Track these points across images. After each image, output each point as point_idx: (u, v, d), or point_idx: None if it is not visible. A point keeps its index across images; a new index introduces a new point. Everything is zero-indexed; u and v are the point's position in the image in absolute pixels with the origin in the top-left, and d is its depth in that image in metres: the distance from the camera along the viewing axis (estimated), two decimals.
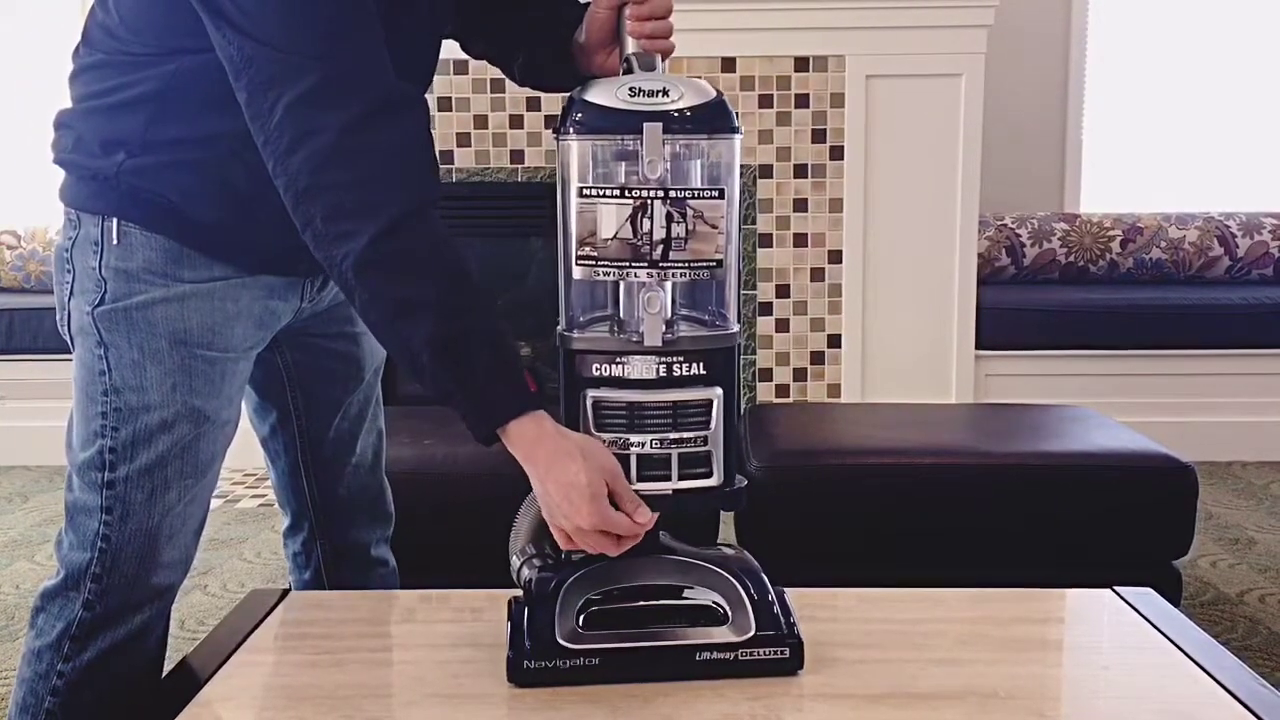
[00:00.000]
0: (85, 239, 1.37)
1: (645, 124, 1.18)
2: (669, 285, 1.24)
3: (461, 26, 1.53)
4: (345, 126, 1.20)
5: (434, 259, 1.23)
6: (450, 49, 1.60)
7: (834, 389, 3.96)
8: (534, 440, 1.21)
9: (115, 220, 1.35)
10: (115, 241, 1.36)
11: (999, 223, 4.33)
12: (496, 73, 1.60)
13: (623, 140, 1.21)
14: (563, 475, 1.19)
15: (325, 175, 1.21)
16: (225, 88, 1.24)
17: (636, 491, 1.22)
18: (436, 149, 4.08)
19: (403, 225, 1.21)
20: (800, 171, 3.87)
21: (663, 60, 1.30)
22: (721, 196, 1.20)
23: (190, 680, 1.27)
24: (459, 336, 1.21)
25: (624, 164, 1.21)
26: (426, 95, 1.50)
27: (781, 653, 1.24)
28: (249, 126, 1.24)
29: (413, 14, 1.37)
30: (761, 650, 1.24)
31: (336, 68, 1.21)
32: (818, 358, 3.95)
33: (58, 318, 1.42)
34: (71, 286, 1.39)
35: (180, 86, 1.31)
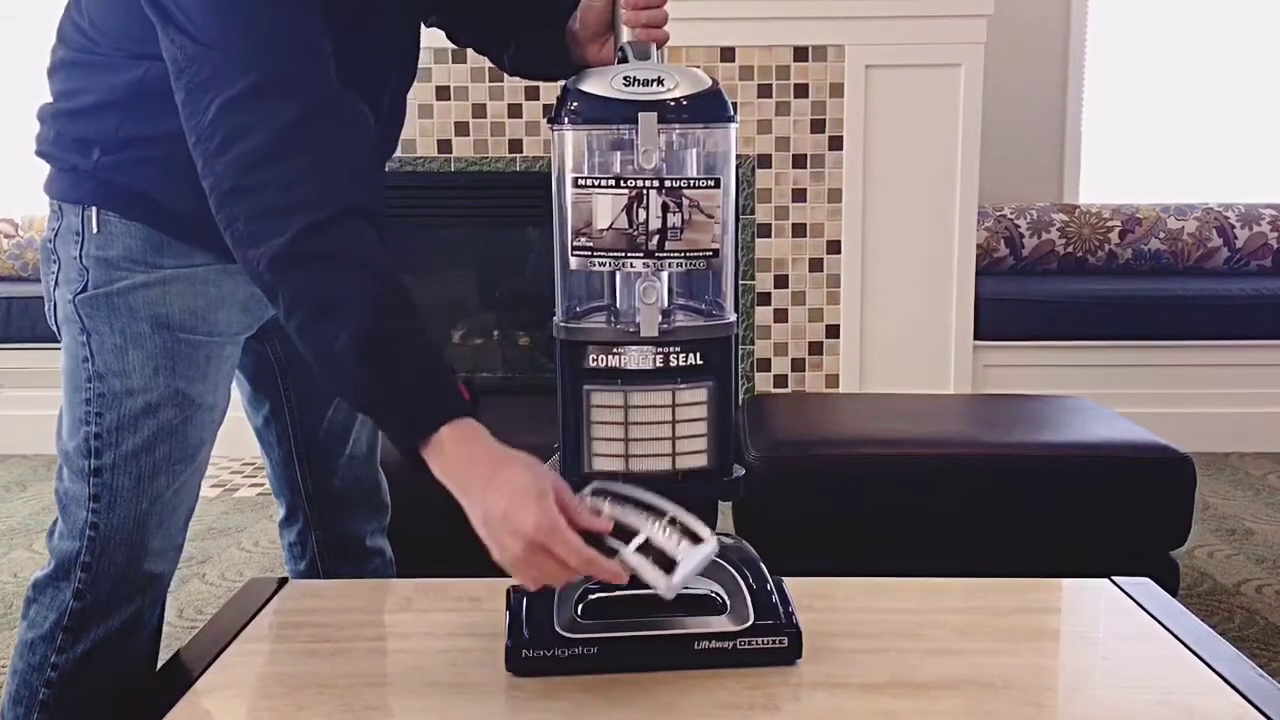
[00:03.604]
0: (67, 229, 1.37)
1: (640, 113, 1.18)
2: (665, 275, 1.23)
3: (453, 17, 1.52)
4: (277, 128, 1.16)
5: (358, 260, 1.17)
6: (443, 38, 1.59)
7: (832, 379, 3.96)
8: (469, 454, 1.14)
9: (95, 209, 1.36)
10: (96, 230, 1.36)
11: (998, 213, 4.32)
12: None
13: (618, 130, 1.20)
14: (507, 477, 1.12)
15: (252, 176, 1.17)
16: None
17: (635, 482, 1.20)
18: (435, 141, 4.04)
19: (326, 225, 1.16)
20: (799, 162, 3.87)
21: (658, 50, 1.30)
22: (717, 186, 1.20)
23: (188, 669, 1.27)
24: (385, 338, 1.14)
25: (619, 154, 1.21)
26: (416, 84, 1.48)
27: (780, 642, 1.24)
28: (183, 126, 1.20)
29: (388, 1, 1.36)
30: (760, 639, 1.24)
31: (274, 70, 1.18)
32: (816, 348, 3.95)
33: (46, 309, 1.43)
34: (57, 277, 1.39)
35: (149, 91, 1.29)
